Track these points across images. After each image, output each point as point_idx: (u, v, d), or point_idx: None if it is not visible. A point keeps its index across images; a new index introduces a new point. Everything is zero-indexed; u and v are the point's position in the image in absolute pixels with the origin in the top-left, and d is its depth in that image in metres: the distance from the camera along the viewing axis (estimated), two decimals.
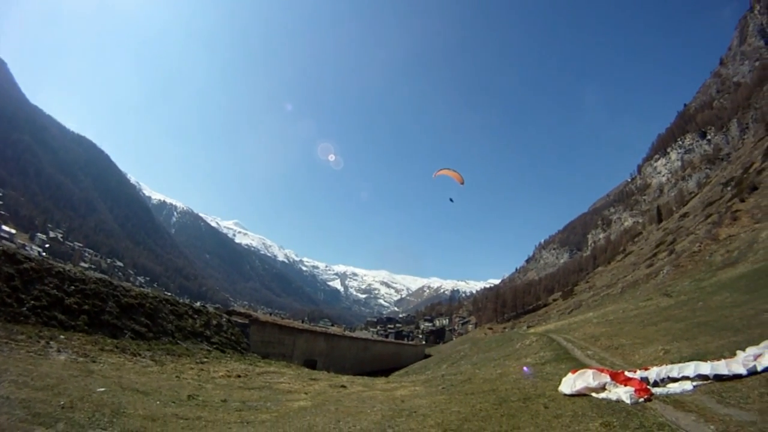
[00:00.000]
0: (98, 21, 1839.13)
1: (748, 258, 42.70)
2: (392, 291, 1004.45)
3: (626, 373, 10.58)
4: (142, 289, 21.40)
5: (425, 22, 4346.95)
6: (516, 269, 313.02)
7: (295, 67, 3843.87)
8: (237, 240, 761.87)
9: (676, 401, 8.79)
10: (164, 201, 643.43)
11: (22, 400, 7.07)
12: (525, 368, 16.75)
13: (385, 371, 52.42)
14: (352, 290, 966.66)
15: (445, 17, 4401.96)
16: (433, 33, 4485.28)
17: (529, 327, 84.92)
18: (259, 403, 11.41)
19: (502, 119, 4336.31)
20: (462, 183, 30.02)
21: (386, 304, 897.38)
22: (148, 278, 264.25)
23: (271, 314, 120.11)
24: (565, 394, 10.34)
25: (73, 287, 16.14)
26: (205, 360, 18.06)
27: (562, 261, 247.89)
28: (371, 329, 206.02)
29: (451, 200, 33.27)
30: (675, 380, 9.98)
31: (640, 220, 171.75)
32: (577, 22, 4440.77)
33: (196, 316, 22.45)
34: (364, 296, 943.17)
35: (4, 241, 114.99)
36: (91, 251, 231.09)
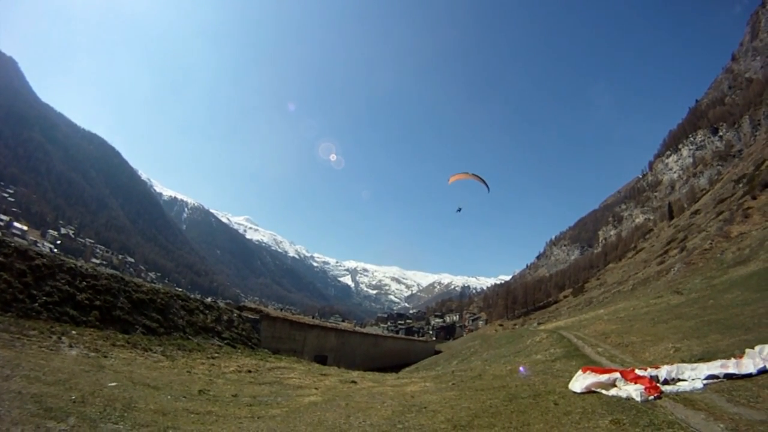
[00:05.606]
0: (108, 18, 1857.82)
1: (760, 256, 42.21)
2: (403, 287, 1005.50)
3: (636, 371, 10.56)
4: (153, 284, 21.52)
5: (434, 21, 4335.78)
6: (527, 266, 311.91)
7: (304, 64, 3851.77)
8: (248, 236, 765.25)
9: (686, 399, 8.76)
10: (175, 197, 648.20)
11: (33, 395, 7.14)
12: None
13: (395, 367, 52.44)
14: (362, 286, 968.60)
15: (454, 16, 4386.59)
16: (443, 32, 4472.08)
17: (539, 324, 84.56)
18: (270, 398, 11.48)
19: (511, 117, 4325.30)
20: (487, 186, 29.37)
21: (397, 300, 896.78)
22: (159, 274, 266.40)
23: (281, 310, 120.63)
24: (575, 392, 10.29)
25: (84, 283, 16.28)
26: (216, 355, 18.16)
27: (572, 258, 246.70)
28: (382, 325, 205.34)
29: (459, 210, 33.02)
30: (685, 380, 9.96)
31: (651, 217, 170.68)
32: (586, 19, 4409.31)
33: (207, 311, 22.55)
34: (374, 292, 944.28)
35: (16, 238, 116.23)
36: (103, 247, 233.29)
